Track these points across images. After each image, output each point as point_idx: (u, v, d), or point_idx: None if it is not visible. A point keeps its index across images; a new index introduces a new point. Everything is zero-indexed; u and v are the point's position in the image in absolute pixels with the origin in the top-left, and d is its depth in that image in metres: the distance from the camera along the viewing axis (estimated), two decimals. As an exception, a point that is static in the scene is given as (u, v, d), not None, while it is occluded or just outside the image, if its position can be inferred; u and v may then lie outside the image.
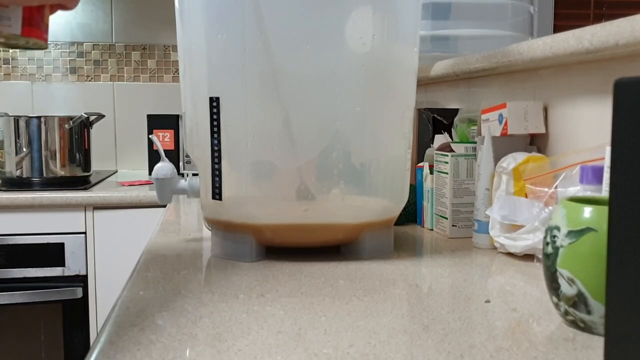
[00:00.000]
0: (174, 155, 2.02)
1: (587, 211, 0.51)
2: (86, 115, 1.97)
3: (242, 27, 0.73)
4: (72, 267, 1.63)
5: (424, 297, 0.63)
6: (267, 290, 0.65)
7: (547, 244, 0.53)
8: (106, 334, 0.52)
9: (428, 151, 1.05)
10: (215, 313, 0.57)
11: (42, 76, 2.21)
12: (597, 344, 0.50)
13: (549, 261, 0.53)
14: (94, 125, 2.06)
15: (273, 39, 0.74)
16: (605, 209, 0.50)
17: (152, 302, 0.60)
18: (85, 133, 1.91)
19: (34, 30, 0.65)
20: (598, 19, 2.59)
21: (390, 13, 0.77)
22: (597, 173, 0.66)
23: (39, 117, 1.77)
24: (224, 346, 0.49)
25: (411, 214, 1.02)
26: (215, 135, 0.76)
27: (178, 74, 2.26)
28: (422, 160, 1.04)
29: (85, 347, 1.67)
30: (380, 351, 0.48)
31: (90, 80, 2.25)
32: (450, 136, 1.06)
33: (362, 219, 0.78)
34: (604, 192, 0.65)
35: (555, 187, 0.76)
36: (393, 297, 0.62)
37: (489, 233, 0.82)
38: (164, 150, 0.89)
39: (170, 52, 2.31)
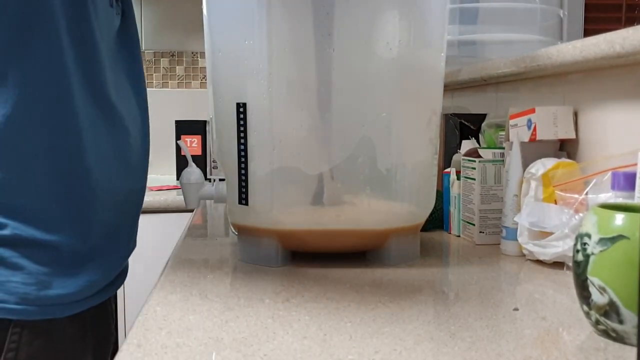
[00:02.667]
0: (201, 161, 2.04)
1: (619, 218, 0.50)
2: (116, 121, 2.00)
3: (268, 33, 0.73)
4: (101, 270, 1.65)
5: (451, 304, 0.62)
6: (293, 295, 0.65)
7: (578, 251, 0.52)
8: (134, 337, 0.52)
9: (455, 157, 1.04)
10: (241, 317, 0.57)
11: (74, 83, 2.26)
12: (629, 354, 0.48)
13: (580, 269, 0.52)
14: (124, 131, 2.09)
15: (299, 44, 0.74)
16: (637, 216, 0.49)
17: (179, 306, 0.61)
18: (115, 138, 1.93)
19: None
20: (630, 22, 2.55)
21: (417, 18, 0.77)
22: (629, 179, 0.65)
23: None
24: (250, 350, 0.49)
25: (438, 220, 1.01)
26: (242, 141, 0.77)
27: (206, 80, 2.29)
28: (449, 166, 1.04)
29: (114, 349, 1.69)
30: (406, 358, 0.48)
31: (120, 87, 2.29)
32: (478, 142, 1.05)
33: (388, 225, 0.77)
34: (637, 199, 0.64)
35: (586, 194, 0.75)
36: (419, 304, 0.62)
37: (517, 240, 0.81)
38: (192, 156, 0.90)
39: (199, 58, 2.34)
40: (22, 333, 0.66)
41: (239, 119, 0.76)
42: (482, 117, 1.09)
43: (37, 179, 0.66)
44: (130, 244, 0.82)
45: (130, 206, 0.81)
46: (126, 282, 1.68)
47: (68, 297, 0.68)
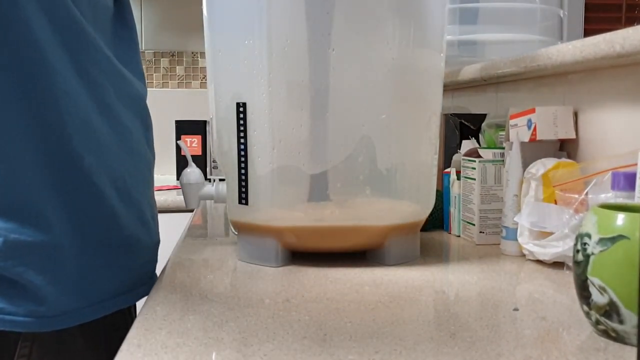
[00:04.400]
0: (201, 161, 2.04)
1: (620, 218, 0.49)
2: (116, 121, 2.00)
3: (268, 33, 0.73)
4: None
5: (451, 304, 0.62)
6: (293, 295, 0.65)
7: (578, 251, 0.52)
8: (134, 337, 0.52)
9: (455, 157, 1.04)
10: (241, 317, 0.57)
11: (74, 83, 2.25)
12: (630, 354, 0.48)
13: (580, 269, 0.52)
14: (124, 131, 2.09)
15: (298, 44, 0.74)
16: (637, 216, 0.49)
17: (179, 306, 0.61)
18: (115, 138, 1.93)
19: None
20: (630, 22, 2.55)
21: (417, 18, 0.77)
22: (630, 179, 0.65)
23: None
24: (250, 350, 0.49)
25: (438, 220, 1.01)
26: (242, 140, 0.77)
27: (206, 80, 2.29)
28: (449, 166, 1.04)
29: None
30: (406, 358, 0.48)
31: (120, 87, 2.29)
32: (478, 142, 1.05)
33: (387, 222, 0.77)
34: (637, 199, 0.64)
35: (586, 194, 0.75)
36: (419, 304, 0.62)
37: (517, 240, 0.81)
38: (192, 156, 0.90)
39: (199, 58, 2.34)
40: (32, 347, 0.63)
41: (239, 119, 0.76)
42: (482, 117, 1.09)
43: (24, 170, 0.62)
44: (146, 239, 0.75)
45: (137, 193, 0.74)
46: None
47: (78, 303, 0.65)
